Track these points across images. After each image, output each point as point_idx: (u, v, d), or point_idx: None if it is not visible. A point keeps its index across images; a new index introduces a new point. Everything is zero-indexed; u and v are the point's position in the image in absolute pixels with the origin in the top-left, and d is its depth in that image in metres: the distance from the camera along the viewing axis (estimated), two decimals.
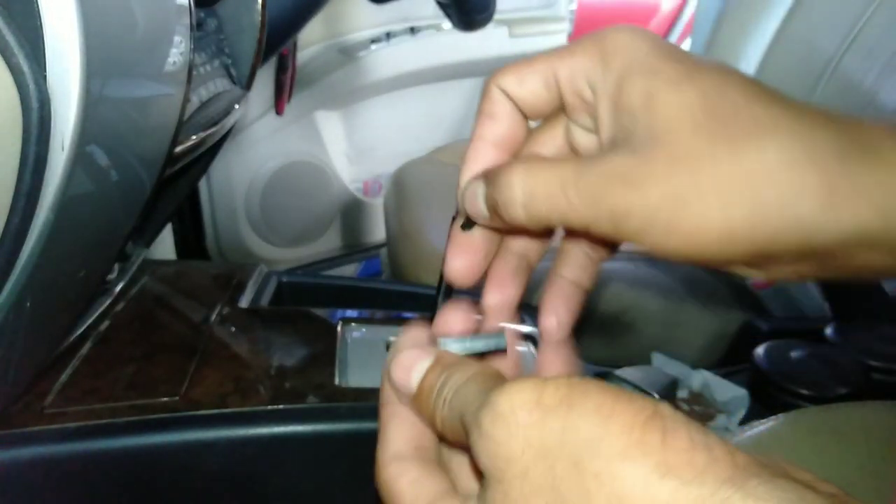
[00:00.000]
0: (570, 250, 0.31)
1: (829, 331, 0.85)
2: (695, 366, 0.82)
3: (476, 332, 0.29)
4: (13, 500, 0.45)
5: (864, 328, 0.85)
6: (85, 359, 0.53)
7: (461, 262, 0.29)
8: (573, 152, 0.29)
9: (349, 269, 1.74)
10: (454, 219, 0.30)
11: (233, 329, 0.59)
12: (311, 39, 1.54)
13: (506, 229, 0.29)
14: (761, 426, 0.55)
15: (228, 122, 0.61)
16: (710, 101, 0.24)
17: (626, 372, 0.74)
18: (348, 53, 1.56)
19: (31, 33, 0.30)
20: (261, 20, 0.66)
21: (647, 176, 0.23)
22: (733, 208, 0.22)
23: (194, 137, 0.53)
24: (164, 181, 0.50)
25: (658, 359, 0.83)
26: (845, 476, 0.49)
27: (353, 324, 0.62)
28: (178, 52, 0.44)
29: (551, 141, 0.30)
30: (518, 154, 0.30)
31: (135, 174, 0.43)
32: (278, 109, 1.47)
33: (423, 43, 1.62)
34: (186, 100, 0.47)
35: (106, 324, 0.57)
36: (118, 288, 0.61)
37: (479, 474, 0.22)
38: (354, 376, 0.54)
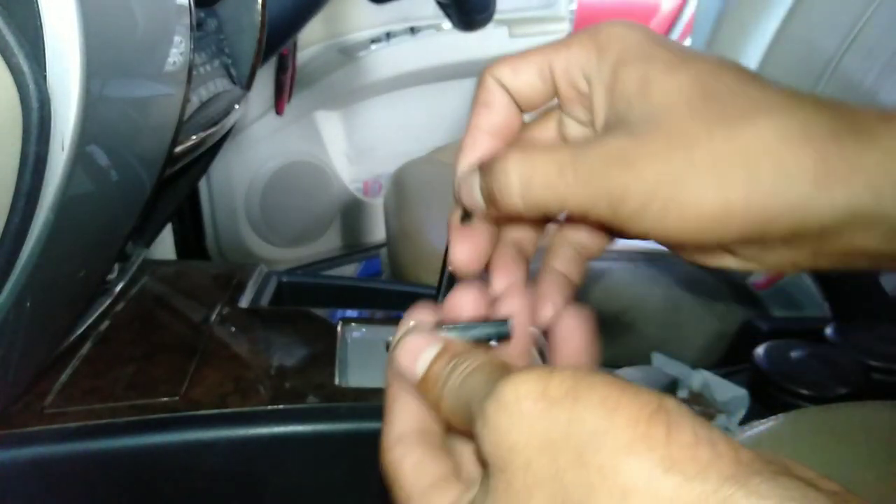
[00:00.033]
0: (559, 247, 0.31)
1: (829, 331, 0.85)
2: (695, 366, 0.82)
3: (485, 318, 0.29)
4: (13, 500, 0.45)
5: (864, 328, 0.85)
6: (85, 359, 0.53)
7: (465, 249, 0.29)
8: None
9: (349, 269, 1.74)
10: (447, 248, 0.30)
11: (233, 329, 0.59)
12: (311, 39, 1.54)
13: (502, 219, 0.29)
14: (761, 426, 0.55)
15: (228, 122, 0.61)
16: (705, 84, 0.24)
17: (625, 372, 0.74)
18: (348, 53, 1.56)
19: (31, 33, 0.30)
20: (261, 20, 0.66)
21: (643, 156, 0.23)
22: (730, 185, 0.23)
23: (194, 137, 0.54)
24: (164, 181, 0.50)
25: (658, 359, 0.83)
26: (845, 476, 0.49)
27: (353, 324, 0.62)
28: (178, 52, 0.44)
29: (544, 134, 0.30)
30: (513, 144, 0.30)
31: (135, 174, 0.43)
32: (278, 109, 1.47)
33: (423, 43, 1.62)
34: (186, 100, 0.47)
35: (106, 324, 0.57)
36: (118, 288, 0.61)
37: (483, 462, 0.22)
38: (354, 376, 0.54)
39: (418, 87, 1.67)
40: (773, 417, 0.56)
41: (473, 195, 0.28)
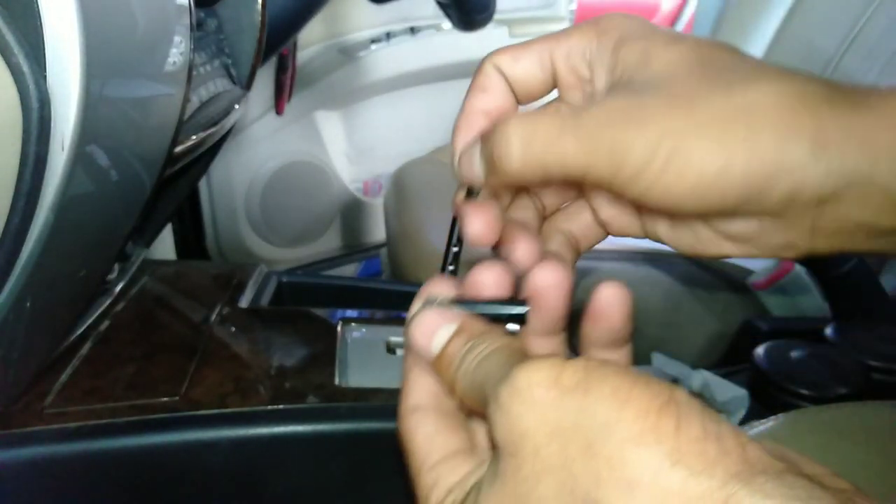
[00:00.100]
0: (552, 234, 0.31)
1: (829, 331, 0.85)
2: (695, 366, 0.82)
3: (510, 298, 0.28)
4: (13, 500, 0.45)
5: (864, 328, 0.85)
6: (85, 359, 0.53)
7: (478, 221, 0.28)
8: None
9: (349, 269, 1.74)
10: (454, 220, 0.30)
11: (233, 329, 0.59)
12: (311, 39, 1.54)
13: (504, 190, 0.29)
14: (761, 426, 0.55)
15: (228, 122, 0.61)
16: (703, 54, 0.25)
17: None
18: (348, 53, 1.56)
19: (31, 33, 0.30)
20: (261, 20, 0.66)
21: (646, 114, 0.24)
22: (731, 143, 0.23)
23: (194, 137, 0.54)
24: (164, 181, 0.50)
25: (658, 359, 0.83)
26: (846, 476, 0.49)
27: (353, 324, 0.62)
28: (178, 52, 0.44)
29: None
30: None
31: (135, 174, 0.43)
32: (278, 109, 1.47)
33: (423, 43, 1.62)
34: (186, 100, 0.47)
35: (106, 324, 0.57)
36: (118, 288, 0.61)
37: (494, 444, 0.22)
38: (354, 376, 0.54)
39: (418, 87, 1.67)
40: (773, 417, 0.56)
41: (474, 166, 0.27)
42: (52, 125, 0.31)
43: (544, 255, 0.29)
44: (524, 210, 0.31)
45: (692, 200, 0.24)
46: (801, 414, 0.59)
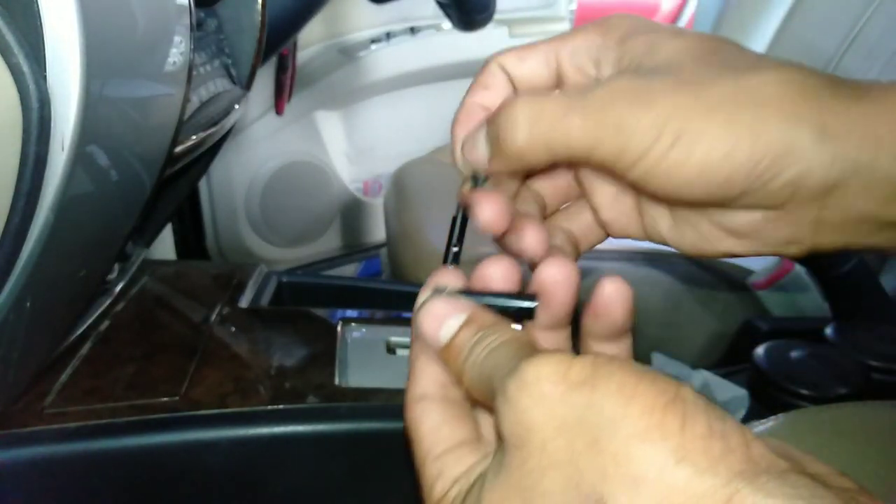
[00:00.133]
0: (553, 231, 0.31)
1: (829, 331, 0.85)
2: (695, 366, 0.82)
3: (518, 292, 0.27)
4: (13, 500, 0.45)
5: (864, 328, 0.85)
6: (85, 359, 0.53)
7: (489, 207, 0.27)
8: None
9: (349, 269, 1.74)
10: (454, 219, 0.30)
11: (233, 329, 0.59)
12: (311, 39, 1.54)
13: (507, 173, 0.29)
14: (761, 426, 0.55)
15: (228, 122, 0.61)
16: (709, 45, 0.25)
17: None
18: (348, 53, 1.56)
19: (31, 33, 0.30)
20: (261, 20, 0.66)
21: (653, 95, 0.24)
22: (737, 127, 0.23)
23: (194, 137, 0.53)
24: (164, 181, 0.50)
25: (658, 359, 0.83)
26: None
27: (353, 324, 0.62)
28: (178, 52, 0.44)
29: None
30: None
31: (135, 174, 0.43)
32: (278, 109, 1.47)
33: (423, 43, 1.62)
34: (186, 100, 0.47)
35: (106, 324, 0.57)
36: (118, 288, 0.61)
37: (500, 436, 0.22)
38: (354, 376, 0.54)
39: (418, 87, 1.67)
40: (773, 417, 0.56)
41: (477, 148, 0.27)
42: (52, 125, 0.31)
43: (551, 249, 0.29)
44: (527, 206, 0.31)
45: (697, 186, 0.24)
46: (801, 414, 0.59)
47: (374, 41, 1.58)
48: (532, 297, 0.27)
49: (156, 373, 0.51)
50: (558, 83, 0.29)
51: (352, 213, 1.72)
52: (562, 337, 0.28)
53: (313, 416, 0.49)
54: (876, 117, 0.23)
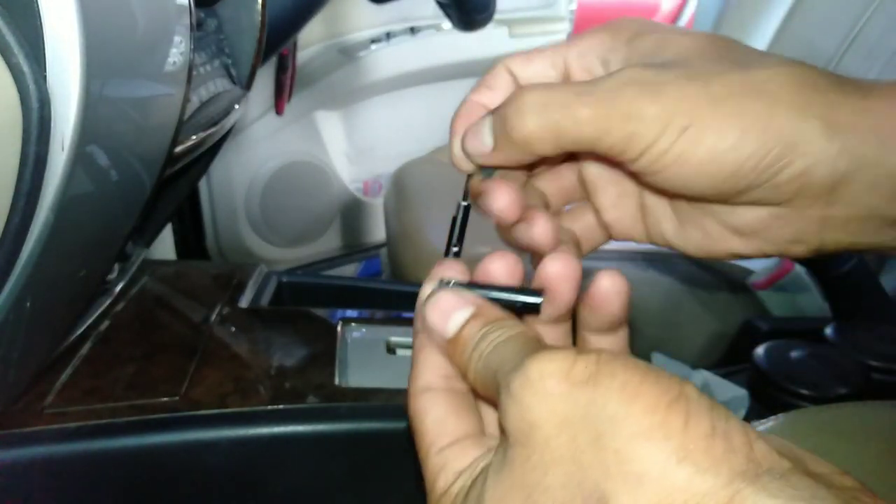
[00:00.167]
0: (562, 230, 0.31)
1: (829, 331, 0.85)
2: (695, 366, 0.82)
3: (521, 287, 0.27)
4: (13, 500, 0.45)
5: (864, 328, 0.85)
6: (85, 359, 0.53)
7: (501, 195, 0.27)
8: None
9: (349, 269, 1.74)
10: (454, 218, 0.30)
11: (233, 329, 0.59)
12: (311, 39, 1.53)
13: (509, 164, 0.29)
14: (761, 426, 0.55)
15: (228, 122, 0.61)
16: (716, 43, 0.26)
17: None
18: (348, 53, 1.56)
19: (31, 33, 0.30)
20: (261, 20, 0.66)
21: (662, 85, 0.24)
22: (746, 118, 0.23)
23: (194, 137, 0.53)
24: (164, 181, 0.50)
25: (658, 359, 0.83)
26: None
27: (353, 324, 0.62)
28: (178, 52, 0.44)
29: None
30: None
31: (135, 174, 0.43)
32: (278, 109, 1.47)
33: (423, 43, 1.62)
34: (186, 100, 0.47)
35: (106, 324, 0.57)
36: (118, 288, 0.61)
37: (503, 431, 0.22)
38: (354, 376, 0.54)
39: (418, 87, 1.67)
40: (773, 417, 0.56)
41: (482, 137, 0.27)
42: (52, 125, 0.31)
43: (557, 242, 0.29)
44: (533, 201, 0.31)
45: (704, 178, 0.24)
46: (801, 414, 0.59)
47: (374, 41, 1.58)
48: (538, 293, 0.27)
49: (156, 373, 0.51)
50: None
51: (352, 213, 1.72)
52: (562, 331, 0.29)
53: (313, 416, 0.49)
54: (881, 114, 0.23)
